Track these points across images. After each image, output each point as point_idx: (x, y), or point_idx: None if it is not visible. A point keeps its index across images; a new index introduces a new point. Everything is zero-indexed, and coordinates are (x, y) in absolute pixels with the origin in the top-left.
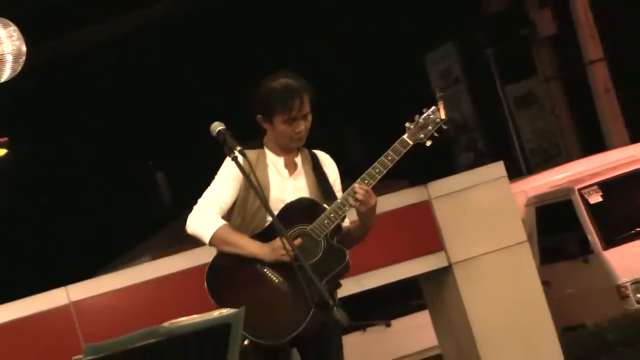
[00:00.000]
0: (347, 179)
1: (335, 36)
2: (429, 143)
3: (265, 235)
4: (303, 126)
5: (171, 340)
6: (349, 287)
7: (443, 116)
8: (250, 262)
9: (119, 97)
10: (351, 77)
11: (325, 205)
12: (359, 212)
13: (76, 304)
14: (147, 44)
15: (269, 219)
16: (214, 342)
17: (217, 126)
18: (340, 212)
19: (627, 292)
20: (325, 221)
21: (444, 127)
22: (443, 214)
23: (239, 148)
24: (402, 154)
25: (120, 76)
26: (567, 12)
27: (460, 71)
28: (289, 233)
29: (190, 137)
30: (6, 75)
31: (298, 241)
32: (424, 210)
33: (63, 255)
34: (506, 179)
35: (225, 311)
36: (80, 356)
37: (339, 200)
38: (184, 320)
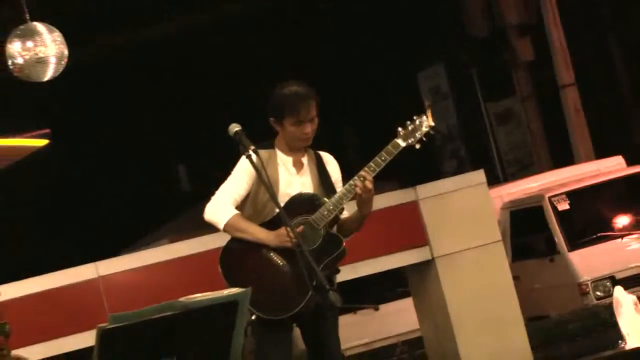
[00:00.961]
0: (345, 174)
1: (341, 53)
2: (417, 146)
3: (272, 224)
4: (310, 128)
5: (186, 314)
6: (345, 273)
7: (431, 123)
8: (258, 247)
9: (149, 98)
10: (353, 89)
11: (325, 199)
12: (359, 200)
13: (104, 278)
14: (177, 48)
15: (277, 210)
16: (224, 317)
17: (234, 127)
18: (338, 205)
19: (587, 289)
20: (325, 212)
21: (431, 133)
22: (429, 213)
23: (252, 147)
24: (394, 155)
25: (150, 79)
26: (544, 41)
27: (448, 88)
28: (293, 222)
29: (209, 136)
30: (49, 75)
31: (300, 229)
32: (412, 209)
33: (94, 235)
34: (485, 185)
35: (234, 290)
36: (106, 324)
37: (338, 194)
38: (198, 296)
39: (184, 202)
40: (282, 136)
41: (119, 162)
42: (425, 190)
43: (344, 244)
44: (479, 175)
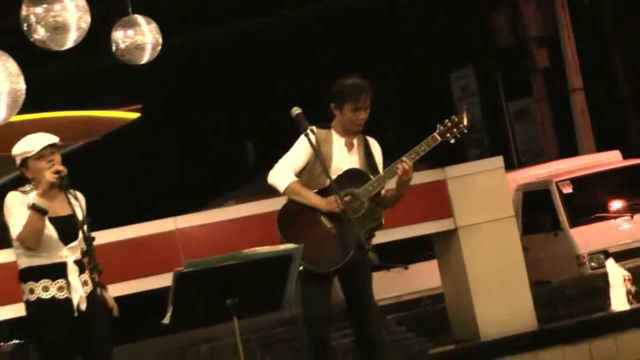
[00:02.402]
0: (387, 159)
1: (385, 56)
2: (452, 141)
3: (323, 193)
4: (364, 115)
5: (248, 263)
6: (380, 237)
7: (465, 123)
8: (310, 210)
9: (227, 84)
10: (397, 86)
11: (370, 176)
12: (399, 181)
13: (181, 230)
14: (258, 40)
15: (328, 181)
16: (279, 268)
17: (296, 110)
18: (381, 182)
19: (584, 260)
20: (370, 187)
21: (465, 131)
22: (454, 190)
23: (310, 127)
24: (432, 147)
25: (229, 65)
26: (559, 52)
27: (476, 87)
28: (342, 193)
29: (274, 117)
30: (145, 59)
31: (347, 199)
32: (440, 186)
33: (173, 196)
34: (503, 170)
35: (289, 246)
36: (181, 268)
37: (381, 174)
38: (258, 249)
39: (249, 174)
40: (339, 120)
41: (197, 137)
42: (452, 171)
43: (382, 216)
44: (498, 161)
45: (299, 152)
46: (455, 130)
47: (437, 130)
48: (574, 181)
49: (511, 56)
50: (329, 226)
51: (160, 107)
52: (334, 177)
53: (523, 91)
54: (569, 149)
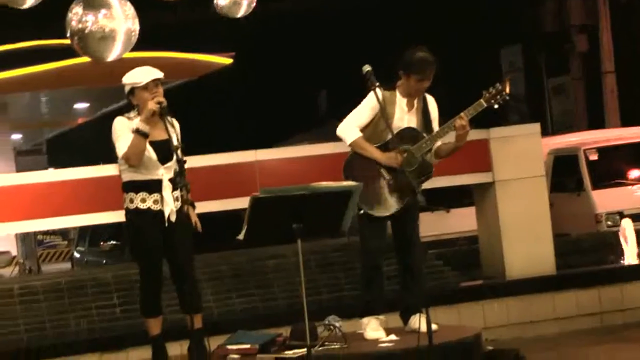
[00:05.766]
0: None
1: (451, 29)
2: (496, 106)
3: (383, 147)
4: (427, 85)
5: (314, 195)
6: (428, 184)
7: (508, 91)
8: (371, 162)
9: (307, 39)
10: (455, 56)
11: (424, 134)
12: (457, 134)
13: (260, 162)
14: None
15: (389, 136)
16: (340, 201)
17: (366, 67)
18: (433, 141)
19: (601, 219)
20: (423, 145)
21: (507, 99)
22: (495, 149)
23: (378, 84)
24: (478, 111)
25: (314, 21)
26: (597, 38)
27: (522, 64)
28: (399, 149)
29: (346, 72)
30: (241, 13)
31: (404, 154)
32: (484, 144)
33: (255, 132)
34: (539, 135)
35: (351, 183)
36: (257, 193)
37: (434, 133)
38: (324, 184)
39: (321, 119)
40: (404, 85)
41: (279, 84)
42: (495, 132)
43: (432, 170)
44: (535, 127)
45: (365, 110)
46: (498, 97)
47: (483, 97)
48: (599, 150)
49: (555, 39)
50: (387, 177)
51: (249, 55)
52: (393, 133)
53: (562, 70)
54: (597, 123)
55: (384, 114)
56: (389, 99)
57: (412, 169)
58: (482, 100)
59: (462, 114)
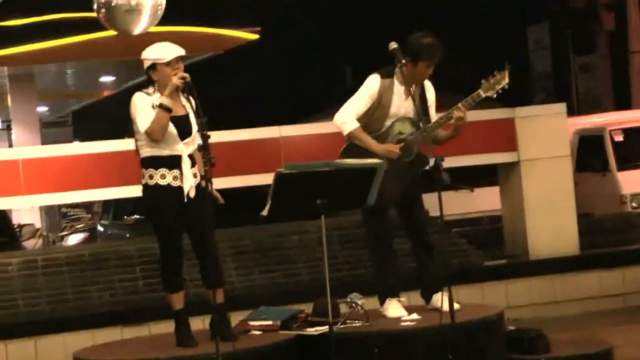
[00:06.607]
0: (464, 94)
1: (474, 10)
2: (494, 96)
3: (379, 138)
4: (431, 70)
5: (338, 170)
6: (453, 162)
7: (507, 81)
8: (369, 153)
9: (333, 15)
10: (478, 36)
11: (421, 124)
12: (454, 125)
13: (284, 137)
14: None
15: (386, 124)
16: (364, 177)
17: (393, 44)
18: (430, 131)
19: (626, 200)
20: (419, 136)
21: (506, 88)
22: (521, 128)
23: (404, 61)
24: (477, 101)
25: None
26: (624, 17)
27: (549, 41)
28: (395, 139)
29: (370, 46)
30: None
31: (399, 146)
32: (510, 123)
33: (279, 108)
34: (565, 114)
35: (375, 160)
36: (282, 169)
37: (431, 123)
38: (348, 160)
39: (345, 95)
40: (408, 71)
41: (304, 59)
42: (521, 111)
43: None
44: (561, 107)
45: (363, 98)
46: (498, 86)
47: (482, 87)
48: (625, 131)
49: (582, 17)
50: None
51: (275, 30)
52: (390, 122)
53: (589, 48)
54: (623, 103)
55: (380, 102)
56: (387, 88)
57: (409, 159)
58: (480, 90)
59: (459, 104)
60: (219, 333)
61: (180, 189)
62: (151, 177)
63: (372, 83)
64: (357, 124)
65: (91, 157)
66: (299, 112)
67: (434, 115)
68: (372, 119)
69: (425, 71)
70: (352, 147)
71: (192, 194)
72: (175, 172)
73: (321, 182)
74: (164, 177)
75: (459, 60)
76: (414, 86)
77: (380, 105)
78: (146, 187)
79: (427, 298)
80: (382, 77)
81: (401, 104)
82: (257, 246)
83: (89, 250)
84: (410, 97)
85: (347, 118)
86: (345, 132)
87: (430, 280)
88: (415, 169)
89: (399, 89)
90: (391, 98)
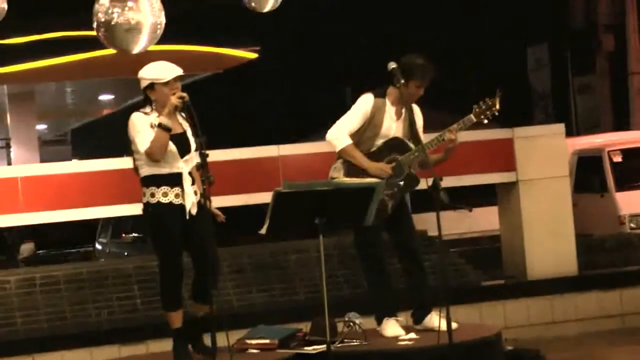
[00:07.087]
0: (463, 113)
1: (475, 30)
2: (486, 121)
3: (370, 157)
4: (422, 91)
5: (337, 190)
6: (452, 182)
7: (498, 107)
8: (359, 171)
9: (332, 36)
10: (480, 57)
11: (412, 145)
12: (446, 147)
13: (283, 156)
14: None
15: (377, 143)
16: (363, 197)
17: (392, 64)
18: (421, 152)
19: (625, 220)
20: (411, 157)
21: (496, 114)
22: (519, 148)
23: (403, 81)
24: (467, 126)
25: (338, 21)
26: (624, 38)
27: (548, 61)
28: (386, 159)
29: (370, 68)
30: (268, 7)
31: (391, 165)
32: (508, 143)
33: (277, 128)
34: (563, 135)
35: (374, 180)
36: (280, 188)
37: (423, 144)
38: (347, 180)
39: (344, 111)
40: (400, 91)
41: (305, 78)
42: (520, 132)
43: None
44: (560, 128)
45: (357, 117)
46: (488, 112)
47: (473, 112)
48: (624, 151)
49: (581, 38)
50: None
51: (274, 50)
52: (380, 142)
53: (588, 69)
54: (622, 124)
55: (371, 122)
56: (379, 108)
57: (398, 180)
58: (472, 115)
59: (451, 127)
60: (198, 348)
61: (182, 206)
62: (153, 195)
63: (366, 102)
64: (350, 141)
65: (90, 175)
66: (298, 132)
67: (422, 139)
68: (362, 138)
69: (416, 91)
70: (342, 164)
71: (194, 211)
72: (177, 189)
73: (320, 201)
74: (165, 195)
75: (460, 81)
76: (404, 108)
77: (371, 125)
78: (148, 205)
79: (418, 319)
80: (375, 96)
81: (392, 124)
82: (256, 264)
83: (87, 268)
84: (401, 119)
85: (339, 135)
86: (338, 149)
87: (421, 301)
88: (406, 189)
89: (390, 108)
90: (382, 118)
